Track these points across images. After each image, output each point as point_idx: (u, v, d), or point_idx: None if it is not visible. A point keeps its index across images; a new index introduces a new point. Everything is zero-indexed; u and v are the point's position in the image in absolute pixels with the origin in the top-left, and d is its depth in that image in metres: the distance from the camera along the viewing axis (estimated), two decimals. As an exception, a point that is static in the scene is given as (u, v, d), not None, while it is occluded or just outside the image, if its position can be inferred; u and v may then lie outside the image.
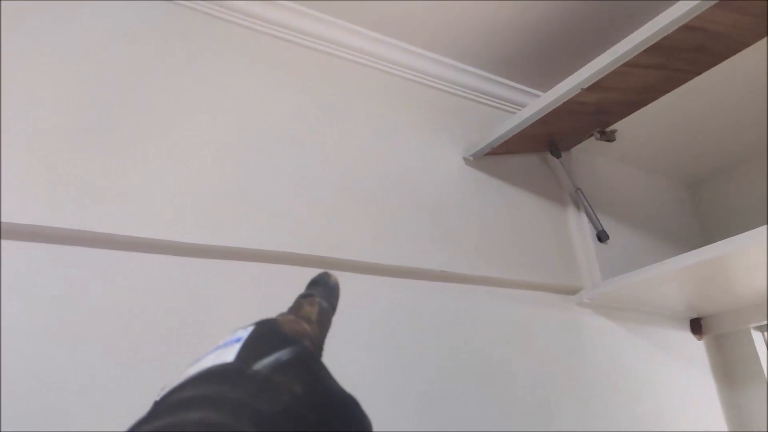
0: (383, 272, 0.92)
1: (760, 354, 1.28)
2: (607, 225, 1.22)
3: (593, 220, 1.19)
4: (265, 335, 0.29)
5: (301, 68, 0.98)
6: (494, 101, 1.24)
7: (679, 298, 1.19)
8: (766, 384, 1.26)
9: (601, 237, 1.18)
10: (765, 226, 0.87)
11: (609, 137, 1.21)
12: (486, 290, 1.04)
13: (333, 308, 0.37)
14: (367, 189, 0.96)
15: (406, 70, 1.11)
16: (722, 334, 1.33)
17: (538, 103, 0.97)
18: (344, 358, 0.78)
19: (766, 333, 1.30)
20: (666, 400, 1.19)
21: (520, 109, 1.08)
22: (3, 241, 0.65)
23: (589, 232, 1.19)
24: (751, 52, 0.98)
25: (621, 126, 1.18)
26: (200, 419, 0.23)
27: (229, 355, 0.28)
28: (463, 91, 1.19)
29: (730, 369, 1.32)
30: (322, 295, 0.36)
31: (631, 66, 0.89)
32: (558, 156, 1.20)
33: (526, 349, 1.04)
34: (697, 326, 1.32)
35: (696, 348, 1.32)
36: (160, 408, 0.25)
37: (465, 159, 1.11)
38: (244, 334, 0.29)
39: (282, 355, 0.28)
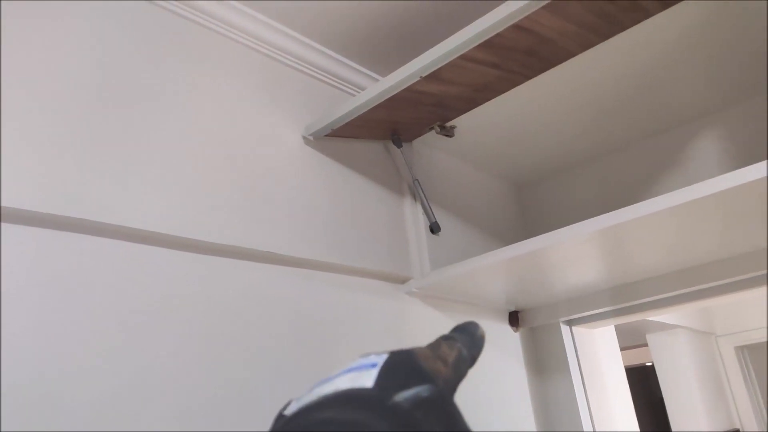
0: (197, 249, 0.85)
1: (566, 347, 1.39)
2: (441, 218, 1.24)
3: (427, 212, 1.20)
4: (403, 366, 0.28)
5: (129, 16, 0.88)
6: (342, 83, 1.21)
7: (500, 290, 1.25)
8: (570, 374, 1.37)
9: (434, 229, 1.20)
10: (574, 225, 0.93)
11: (448, 132, 1.23)
12: (313, 274, 1.01)
13: (472, 360, 0.35)
14: (196, 158, 0.88)
15: (250, 38, 1.04)
16: (536, 326, 1.42)
17: (377, 87, 0.95)
18: (157, 336, 0.73)
19: (572, 327, 1.42)
20: (484, 387, 1.25)
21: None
22: None
23: (422, 223, 1.21)
24: (578, 62, 1.05)
25: (460, 123, 1.21)
26: None
27: (367, 380, 0.27)
28: (310, 68, 1.15)
29: (540, 360, 1.42)
30: (464, 343, 0.35)
31: (467, 60, 0.90)
32: (399, 146, 1.20)
33: (350, 336, 1.02)
34: (514, 319, 1.40)
35: (512, 339, 1.40)
36: (294, 425, 0.24)
37: (304, 138, 1.06)
38: (379, 360, 0.29)
39: (422, 391, 0.27)
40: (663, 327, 2.50)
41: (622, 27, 0.92)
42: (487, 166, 1.44)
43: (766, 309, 2.89)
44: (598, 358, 1.50)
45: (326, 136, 1.08)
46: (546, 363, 1.41)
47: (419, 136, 1.23)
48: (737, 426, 2.87)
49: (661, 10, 0.90)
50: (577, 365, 1.39)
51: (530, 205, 1.56)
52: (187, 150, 0.88)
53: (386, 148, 1.24)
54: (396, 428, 0.24)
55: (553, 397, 1.38)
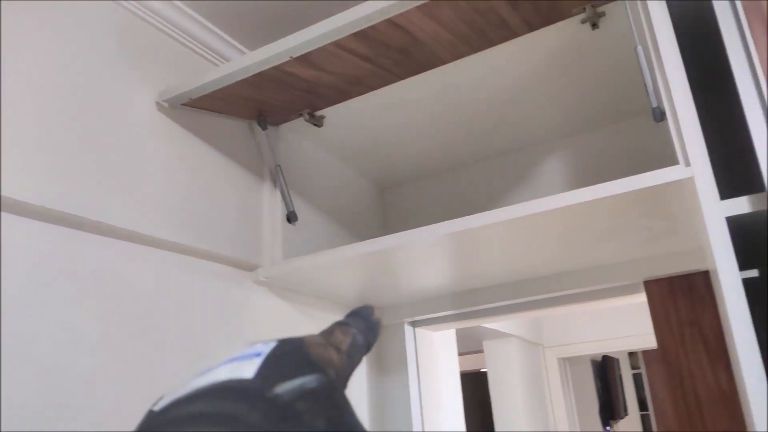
0: (28, 213, 0.74)
1: (408, 347, 1.42)
2: (300, 208, 1.21)
3: (286, 200, 1.17)
4: (289, 355, 0.27)
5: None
6: (209, 53, 1.13)
7: (350, 287, 1.25)
8: (408, 374, 1.40)
9: (290, 218, 1.17)
10: (423, 227, 0.95)
11: (317, 122, 1.21)
12: (154, 252, 0.93)
13: (368, 346, 0.34)
14: (34, 116, 0.77)
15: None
16: (383, 325, 1.44)
17: (243, 60, 0.90)
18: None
19: (415, 328, 1.45)
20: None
21: (230, 66, 1.00)
22: None
23: (280, 211, 1.17)
24: (448, 72, 1.08)
25: (330, 114, 1.20)
26: None
27: (247, 370, 0.25)
28: (175, 31, 1.06)
29: (381, 358, 1.44)
30: (359, 328, 0.33)
31: (341, 48, 0.88)
32: (264, 128, 1.15)
33: (190, 321, 0.96)
34: (363, 317, 1.40)
35: (358, 337, 1.41)
36: (161, 420, 0.22)
37: (158, 104, 0.98)
38: (265, 349, 0.27)
39: (308, 381, 0.25)
40: (498, 335, 2.68)
41: (491, 42, 0.96)
42: (352, 163, 1.44)
43: (587, 324, 3.22)
44: (437, 360, 1.56)
45: (184, 105, 1.01)
46: (387, 361, 1.43)
47: (287, 121, 1.19)
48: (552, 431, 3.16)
49: (527, 32, 0.95)
50: (415, 366, 1.43)
51: (391, 206, 1.58)
52: (25, 105, 0.77)
53: (251, 128, 1.18)
54: (272, 421, 0.22)
55: (389, 395, 1.41)
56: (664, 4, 0.85)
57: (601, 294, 1.30)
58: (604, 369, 4.07)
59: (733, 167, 0.92)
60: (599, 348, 3.28)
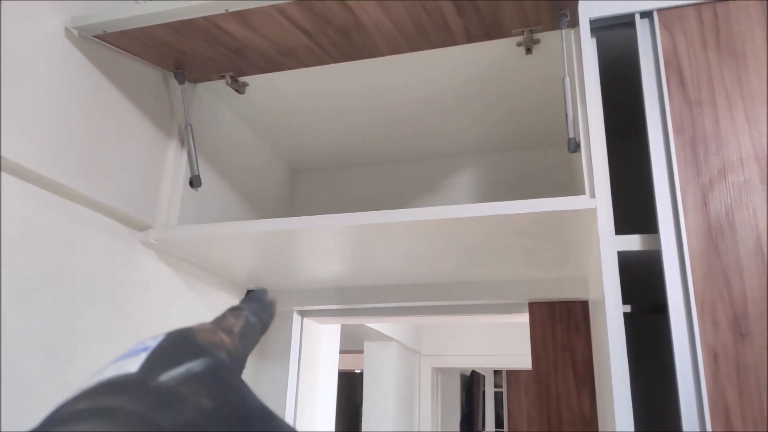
0: None
1: (293, 336, 1.39)
2: (206, 175, 1.15)
3: (192, 163, 1.10)
4: (176, 345, 0.26)
5: None
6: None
7: (244, 265, 1.20)
8: (288, 364, 1.37)
9: (194, 182, 1.10)
10: (329, 215, 0.93)
11: (240, 88, 1.15)
12: (36, 191, 0.83)
13: (263, 325, 0.34)
14: None
15: None
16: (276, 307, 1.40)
17: (173, 1, 0.84)
18: None
19: (304, 318, 1.43)
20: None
21: (156, 7, 0.93)
22: None
23: (184, 173, 1.10)
24: (382, 65, 1.07)
25: (254, 83, 1.15)
26: (91, 430, 0.20)
27: (132, 365, 0.24)
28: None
29: (266, 343, 1.39)
30: (251, 309, 0.34)
31: (280, 13, 0.85)
32: (181, 82, 1.08)
33: (56, 269, 0.87)
34: (251, 298, 1.35)
35: (243, 318, 1.36)
36: (55, 418, 0.21)
37: (68, 30, 0.89)
38: (153, 343, 0.26)
39: (193, 366, 0.25)
40: (380, 337, 2.71)
41: (430, 44, 0.96)
42: (267, 139, 1.39)
43: (463, 338, 3.34)
44: (319, 354, 1.54)
45: (96, 38, 0.92)
46: (269, 348, 1.39)
47: (207, 80, 1.12)
48: (415, 436, 3.24)
49: (466, 42, 0.96)
50: (297, 356, 1.41)
51: (301, 191, 1.54)
52: None
53: (165, 80, 1.10)
54: (153, 408, 0.22)
55: (266, 382, 1.37)
56: (594, 42, 0.89)
57: (487, 309, 1.34)
58: (471, 383, 4.24)
59: (627, 206, 0.98)
60: (470, 363, 3.41)
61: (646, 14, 0.86)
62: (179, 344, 0.27)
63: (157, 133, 1.07)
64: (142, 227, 1.04)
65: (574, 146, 0.88)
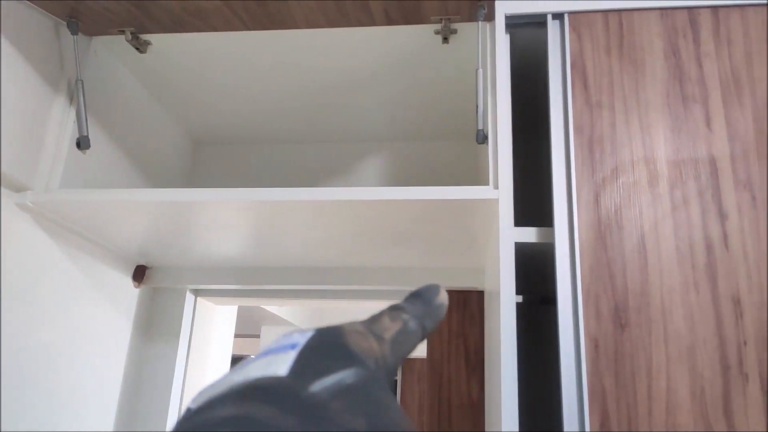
0: None
1: (185, 316, 1.32)
2: (96, 138, 1.06)
3: (81, 122, 1.01)
4: (326, 347, 0.24)
5: None
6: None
7: (133, 238, 1.13)
8: (178, 345, 1.30)
9: (81, 143, 1.01)
10: (230, 189, 0.89)
11: (141, 47, 1.07)
12: None
13: (423, 332, 0.29)
14: None
15: None
16: (161, 287, 1.33)
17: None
18: None
19: (197, 298, 1.36)
20: (78, 335, 1.09)
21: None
22: None
23: (70, 132, 1.01)
24: (298, 40, 1.03)
25: (158, 43, 1.07)
26: None
27: (281, 365, 0.23)
28: None
29: (153, 322, 1.32)
30: (414, 313, 0.29)
31: (191, -32, 0.79)
32: (74, 33, 0.99)
33: None
34: (140, 274, 1.28)
35: (130, 295, 1.27)
36: (196, 422, 0.20)
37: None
38: (301, 339, 0.24)
39: (345, 377, 0.22)
40: (278, 321, 2.66)
41: (348, 22, 0.94)
42: (168, 106, 1.31)
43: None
44: (212, 336, 1.48)
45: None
46: (158, 327, 1.32)
47: (104, 33, 1.03)
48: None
49: (384, 24, 0.95)
50: (188, 337, 1.34)
51: (202, 164, 1.47)
52: None
53: (57, 30, 1.00)
54: (306, 423, 0.20)
55: (152, 363, 1.30)
56: (508, 37, 0.91)
57: (386, 295, 1.35)
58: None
59: (530, 200, 1.02)
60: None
61: (558, 16, 0.89)
62: (329, 347, 0.25)
63: (42, 86, 0.97)
64: (18, 188, 0.94)
65: (482, 138, 0.89)
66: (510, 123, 0.86)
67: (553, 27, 0.89)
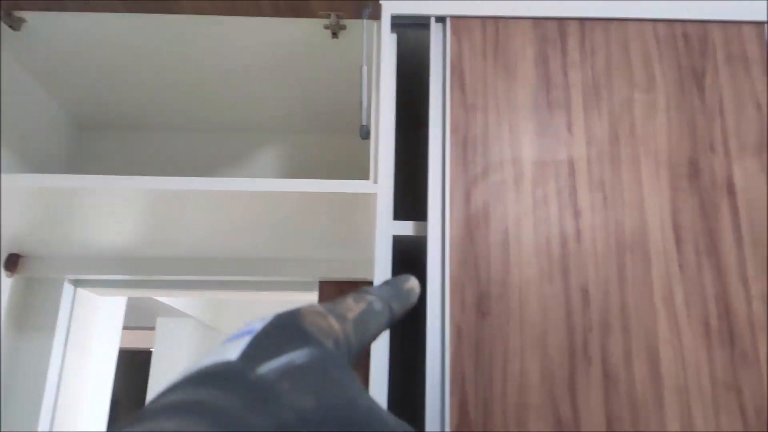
0: None
1: (62, 307, 1.26)
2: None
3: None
4: (281, 330, 0.24)
5: None
6: None
7: (6, 224, 1.06)
8: (53, 339, 1.24)
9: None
10: (118, 176, 0.87)
11: (14, 24, 1.01)
12: None
13: (391, 314, 0.30)
14: None
15: None
16: (36, 277, 1.26)
17: None
18: None
19: (77, 288, 1.30)
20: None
21: None
22: None
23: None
24: (184, 25, 1.01)
25: (34, 21, 1.01)
26: (174, 428, 0.18)
27: (234, 351, 0.23)
28: None
29: (26, 314, 1.25)
30: (380, 295, 0.30)
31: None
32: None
33: None
34: (13, 262, 1.20)
35: (3, 285, 1.20)
36: (146, 411, 0.20)
37: None
38: (259, 325, 0.24)
39: (296, 357, 0.23)
40: (175, 313, 2.58)
41: (234, 11, 0.94)
42: (50, 87, 1.23)
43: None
44: (94, 329, 1.42)
45: None
46: (32, 319, 1.25)
47: (-31, 5, 0.96)
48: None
49: (272, 16, 0.95)
50: (65, 331, 1.28)
51: (89, 150, 1.40)
52: None
53: None
54: (250, 405, 0.20)
55: (23, 356, 1.23)
56: (394, 37, 0.94)
57: (280, 286, 1.35)
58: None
59: (415, 196, 1.06)
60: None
61: (441, 19, 0.93)
62: (284, 329, 0.25)
63: None
64: None
65: (366, 133, 0.92)
66: (393, 120, 0.89)
67: (436, 30, 0.93)
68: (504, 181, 0.84)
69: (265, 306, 3.33)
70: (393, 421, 0.23)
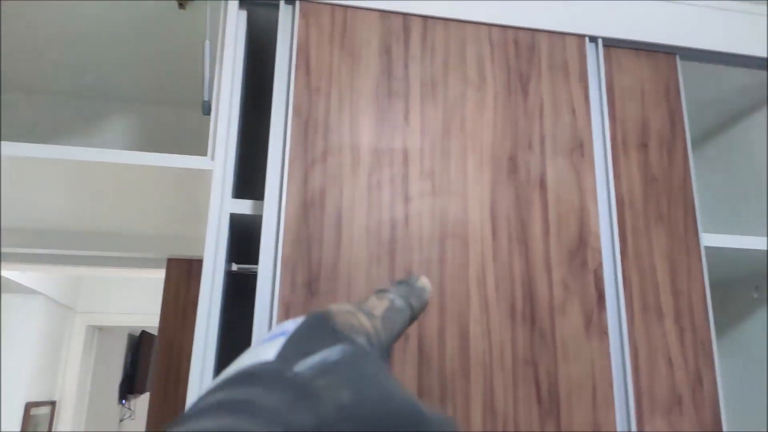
0: None
1: None
2: None
3: None
4: (314, 329, 0.26)
5: None
6: None
7: None
8: None
9: None
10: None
11: None
12: None
13: (412, 310, 0.32)
14: None
15: None
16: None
17: None
18: None
19: None
20: None
21: None
22: None
23: None
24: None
25: None
26: (221, 427, 0.19)
27: (270, 352, 0.24)
28: None
29: None
30: (399, 293, 0.32)
31: None
32: None
33: None
34: None
35: None
36: (191, 411, 0.21)
37: None
38: (292, 326, 0.26)
39: (330, 354, 0.24)
40: (23, 290, 2.39)
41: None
42: None
43: (128, 295, 3.17)
44: None
45: None
46: None
47: None
48: (56, 398, 2.96)
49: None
50: None
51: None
52: None
53: None
54: (289, 402, 0.21)
55: None
56: (244, 14, 0.93)
57: (129, 263, 1.30)
58: (139, 344, 4.06)
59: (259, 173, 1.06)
60: (136, 321, 3.27)
61: (291, 1, 0.94)
62: (317, 328, 0.25)
63: None
64: None
65: (207, 109, 0.91)
66: (237, 98, 0.89)
67: (285, 11, 0.94)
68: (341, 164, 0.87)
69: (119, 285, 3.17)
70: (430, 411, 0.24)
